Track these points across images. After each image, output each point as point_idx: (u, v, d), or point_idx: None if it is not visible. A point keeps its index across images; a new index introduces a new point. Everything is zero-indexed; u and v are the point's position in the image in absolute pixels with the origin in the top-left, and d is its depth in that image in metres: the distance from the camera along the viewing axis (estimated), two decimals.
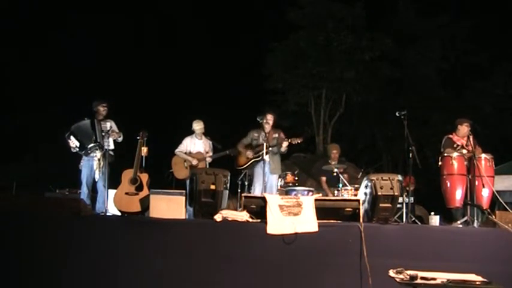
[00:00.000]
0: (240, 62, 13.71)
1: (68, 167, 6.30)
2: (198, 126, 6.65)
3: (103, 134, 5.82)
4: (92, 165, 5.79)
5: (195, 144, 6.64)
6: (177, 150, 6.64)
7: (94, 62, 12.61)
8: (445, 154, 5.60)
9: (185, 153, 6.59)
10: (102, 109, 5.98)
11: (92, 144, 5.75)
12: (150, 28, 14.30)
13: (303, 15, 13.55)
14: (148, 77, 13.78)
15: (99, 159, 5.76)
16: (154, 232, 4.34)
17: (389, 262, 3.68)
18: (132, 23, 13.89)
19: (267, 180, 5.96)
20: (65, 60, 12.58)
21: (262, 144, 6.03)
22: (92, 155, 5.80)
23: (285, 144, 6.06)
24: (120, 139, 6.01)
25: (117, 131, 5.99)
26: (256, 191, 6.01)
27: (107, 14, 13.33)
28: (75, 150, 5.84)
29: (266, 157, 5.79)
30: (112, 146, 5.83)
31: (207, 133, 6.81)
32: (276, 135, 6.24)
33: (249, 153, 6.25)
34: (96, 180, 5.79)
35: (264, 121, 6.15)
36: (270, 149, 5.98)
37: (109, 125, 5.92)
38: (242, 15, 14.33)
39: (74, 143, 5.81)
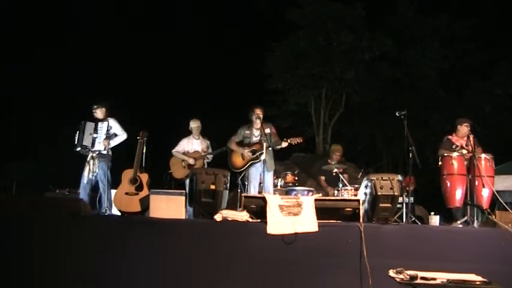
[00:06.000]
0: (240, 62, 13.71)
1: (68, 167, 6.31)
2: (194, 124, 6.65)
3: (94, 136, 5.77)
4: (85, 167, 5.80)
5: (193, 144, 6.65)
6: (173, 150, 6.65)
7: (95, 60, 12.64)
8: (445, 154, 5.60)
9: (182, 153, 6.60)
10: (93, 111, 5.94)
11: (78, 148, 5.77)
12: (150, 27, 14.30)
13: (303, 15, 13.55)
14: (149, 77, 13.80)
15: (88, 162, 5.76)
16: (154, 232, 4.34)
17: (389, 262, 3.69)
18: (129, 22, 13.92)
19: (263, 180, 5.89)
20: (65, 60, 12.60)
21: (259, 143, 5.93)
22: (87, 155, 5.80)
23: (284, 144, 5.91)
24: (118, 140, 5.90)
25: (117, 129, 5.92)
26: (252, 192, 5.88)
27: (108, 15, 13.34)
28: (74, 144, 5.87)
29: (263, 156, 5.69)
30: (102, 147, 5.74)
31: (206, 133, 6.81)
32: (268, 130, 5.95)
33: (247, 154, 5.96)
34: (85, 182, 5.75)
35: (255, 116, 5.96)
36: (270, 148, 5.94)
37: (106, 124, 5.82)
38: (242, 15, 14.35)
39: (76, 136, 5.84)
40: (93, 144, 5.76)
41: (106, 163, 5.69)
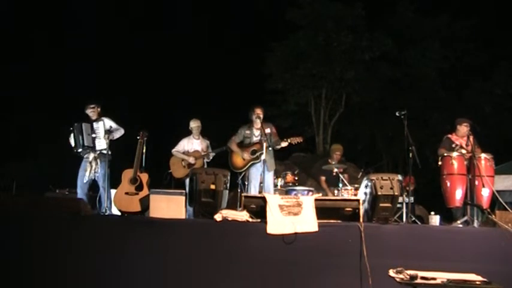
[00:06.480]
0: (240, 62, 13.70)
1: (68, 167, 6.31)
2: (194, 124, 6.66)
3: (93, 136, 5.78)
4: (85, 167, 5.79)
5: (193, 144, 6.66)
6: (173, 150, 6.66)
7: (94, 61, 12.63)
8: (445, 154, 5.60)
9: (182, 153, 6.61)
10: (90, 111, 5.96)
11: (80, 149, 5.76)
12: (150, 27, 14.30)
13: (303, 15, 13.55)
14: (149, 77, 13.78)
15: (90, 162, 5.76)
16: (154, 232, 4.34)
17: (389, 262, 3.69)
18: (129, 22, 13.91)
19: (263, 180, 5.88)
20: (65, 60, 12.60)
21: (259, 143, 5.93)
22: (86, 156, 5.81)
23: (284, 144, 5.92)
24: (118, 134, 5.94)
25: (114, 126, 5.94)
26: (252, 192, 5.90)
27: (108, 15, 13.34)
28: (72, 148, 5.86)
29: (263, 156, 5.69)
30: (104, 146, 5.74)
31: (206, 133, 6.82)
32: (268, 129, 5.97)
33: (247, 155, 5.97)
34: (85, 181, 5.76)
35: (255, 116, 5.98)
36: (270, 149, 5.93)
37: (101, 124, 5.83)
38: (242, 15, 14.34)
39: (71, 140, 5.86)
40: (94, 144, 5.76)
41: (106, 163, 5.71)
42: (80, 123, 5.82)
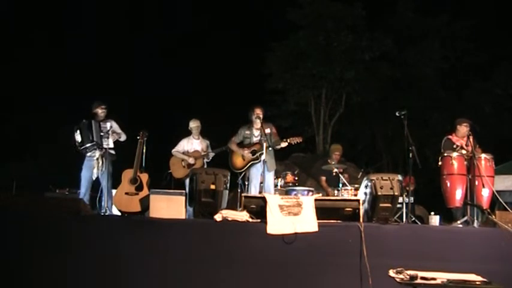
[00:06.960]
0: (240, 62, 13.70)
1: (68, 167, 6.31)
2: (194, 124, 6.67)
3: (101, 134, 5.80)
4: (91, 165, 5.79)
5: (192, 144, 6.66)
6: (173, 150, 6.67)
7: (94, 61, 12.64)
8: (445, 154, 5.60)
9: (182, 153, 6.61)
10: (101, 111, 5.99)
11: (88, 144, 5.76)
12: (150, 27, 14.31)
13: (303, 15, 13.55)
14: (148, 77, 13.79)
15: (97, 159, 5.76)
16: (154, 232, 4.34)
17: (389, 262, 3.69)
18: (130, 22, 13.92)
19: (263, 180, 5.88)
20: (65, 59, 12.61)
21: (259, 143, 5.94)
22: (91, 155, 5.80)
23: (283, 144, 5.92)
24: (122, 138, 6.03)
25: (118, 130, 6.01)
26: (252, 192, 5.90)
27: (108, 14, 13.35)
28: (77, 145, 5.86)
29: (263, 157, 5.69)
30: (111, 145, 5.81)
31: (206, 133, 6.82)
32: (268, 130, 5.96)
33: (246, 155, 5.98)
34: (94, 179, 5.79)
35: (255, 116, 5.98)
36: (270, 149, 5.93)
37: (109, 125, 5.90)
38: (242, 15, 14.33)
39: (77, 137, 5.84)
40: (101, 142, 5.79)
41: (109, 162, 5.73)
42: (89, 120, 5.83)
